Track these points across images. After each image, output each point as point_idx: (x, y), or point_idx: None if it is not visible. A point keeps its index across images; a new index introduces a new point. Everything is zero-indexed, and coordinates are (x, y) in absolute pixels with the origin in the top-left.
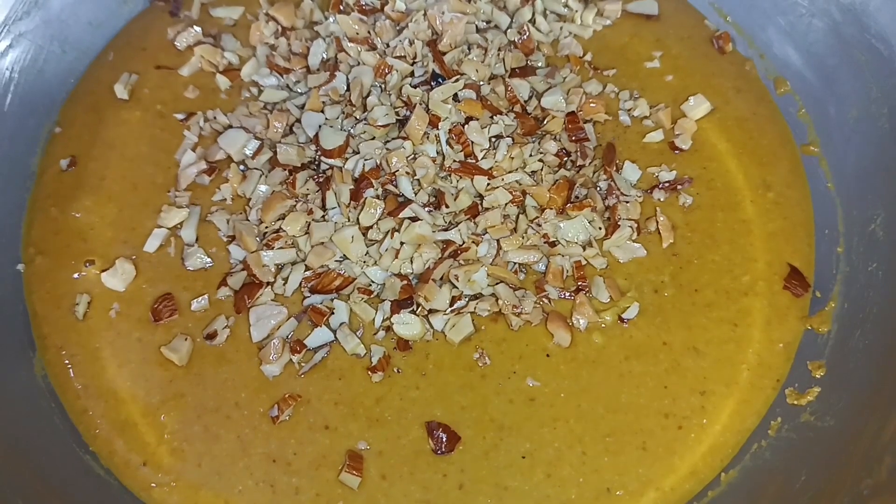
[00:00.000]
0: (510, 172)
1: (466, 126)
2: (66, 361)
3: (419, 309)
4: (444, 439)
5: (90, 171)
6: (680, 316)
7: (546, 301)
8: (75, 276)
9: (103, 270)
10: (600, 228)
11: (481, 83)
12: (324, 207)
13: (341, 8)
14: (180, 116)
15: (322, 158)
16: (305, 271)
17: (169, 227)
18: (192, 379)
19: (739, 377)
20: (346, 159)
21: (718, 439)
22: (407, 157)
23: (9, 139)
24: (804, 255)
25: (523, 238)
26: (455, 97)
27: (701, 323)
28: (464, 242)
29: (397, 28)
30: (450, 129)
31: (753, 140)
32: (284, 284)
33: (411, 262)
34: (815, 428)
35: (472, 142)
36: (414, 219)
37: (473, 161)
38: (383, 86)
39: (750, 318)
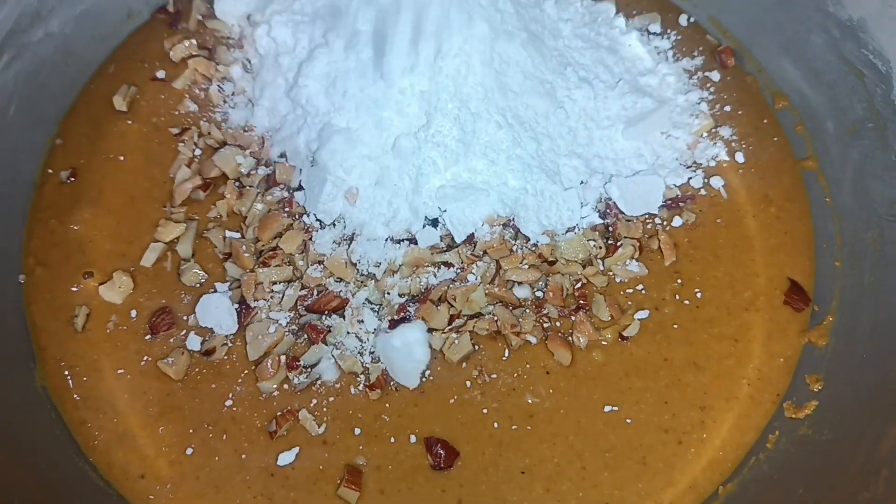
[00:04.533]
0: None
1: None
2: (66, 373)
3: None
4: (443, 455)
5: (89, 183)
6: (681, 332)
7: (546, 320)
8: (74, 288)
9: (101, 283)
10: (600, 248)
11: None
12: (321, 226)
13: None
14: (175, 131)
15: None
16: (301, 290)
17: (166, 242)
18: (189, 392)
19: (739, 392)
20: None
21: (718, 453)
22: None
23: (11, 151)
24: (805, 269)
25: (522, 257)
26: None
27: (702, 339)
28: (462, 262)
29: None
30: None
31: (755, 154)
32: (281, 302)
33: (409, 282)
34: (812, 441)
35: None
36: (412, 239)
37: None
38: None
39: (751, 333)
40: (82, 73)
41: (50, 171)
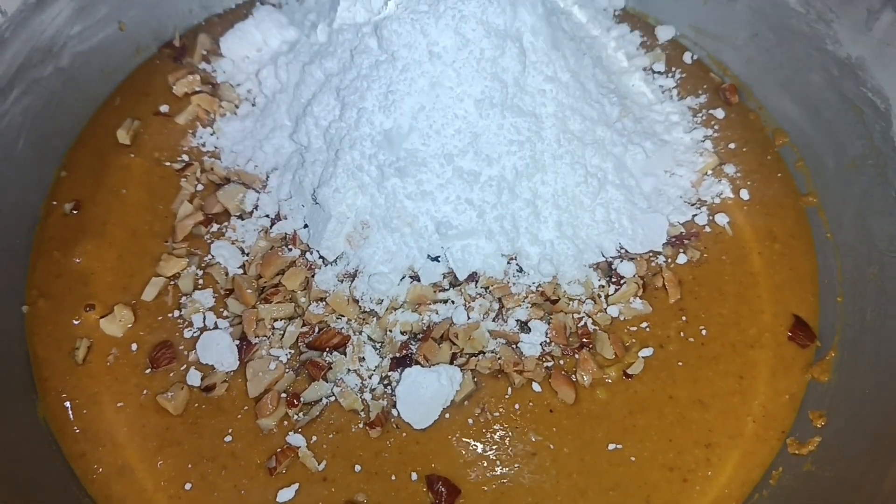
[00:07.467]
0: None
1: None
2: (66, 405)
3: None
4: (445, 493)
5: (92, 215)
6: (686, 370)
7: (549, 358)
8: (75, 320)
9: (102, 316)
10: (602, 287)
11: None
12: (324, 263)
13: None
14: (177, 166)
15: None
16: (303, 326)
17: (167, 276)
18: (188, 427)
19: (745, 429)
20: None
21: (723, 491)
22: None
23: (18, 183)
24: (809, 305)
25: (525, 296)
26: None
27: (707, 376)
28: (464, 300)
29: None
30: None
31: (760, 191)
32: (282, 339)
33: (411, 319)
34: (816, 478)
35: None
36: (414, 277)
37: None
38: None
39: (756, 370)
40: (90, 106)
41: (54, 202)
